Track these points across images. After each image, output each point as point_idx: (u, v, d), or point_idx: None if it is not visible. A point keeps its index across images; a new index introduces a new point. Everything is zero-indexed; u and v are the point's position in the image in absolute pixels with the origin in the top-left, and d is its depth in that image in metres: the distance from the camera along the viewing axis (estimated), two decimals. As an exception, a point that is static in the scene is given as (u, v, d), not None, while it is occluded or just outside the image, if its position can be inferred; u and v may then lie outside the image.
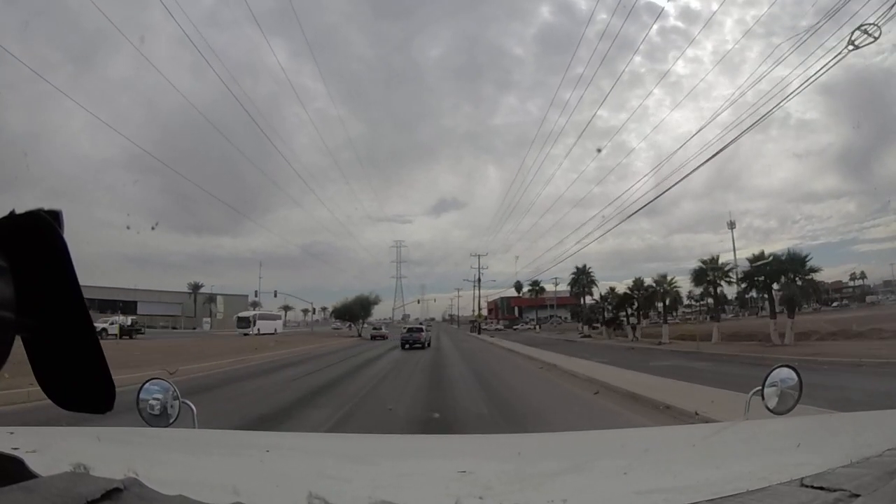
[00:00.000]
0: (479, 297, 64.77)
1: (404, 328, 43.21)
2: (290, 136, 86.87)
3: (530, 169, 67.00)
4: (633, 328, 38.92)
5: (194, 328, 59.61)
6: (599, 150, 43.37)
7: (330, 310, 59.45)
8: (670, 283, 37.71)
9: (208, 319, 64.87)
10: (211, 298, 68.65)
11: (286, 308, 72.59)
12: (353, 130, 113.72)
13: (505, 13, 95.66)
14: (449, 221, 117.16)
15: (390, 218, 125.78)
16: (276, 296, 59.21)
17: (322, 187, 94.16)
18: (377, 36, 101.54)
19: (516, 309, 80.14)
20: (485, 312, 58.93)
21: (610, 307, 44.83)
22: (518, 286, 72.94)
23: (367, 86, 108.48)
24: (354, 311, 53.84)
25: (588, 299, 54.28)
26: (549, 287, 67.09)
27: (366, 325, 53.89)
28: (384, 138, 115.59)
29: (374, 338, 41.74)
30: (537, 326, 65.17)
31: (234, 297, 67.24)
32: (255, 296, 61.77)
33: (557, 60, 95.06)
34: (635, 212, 29.88)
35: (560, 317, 68.04)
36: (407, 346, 28.01)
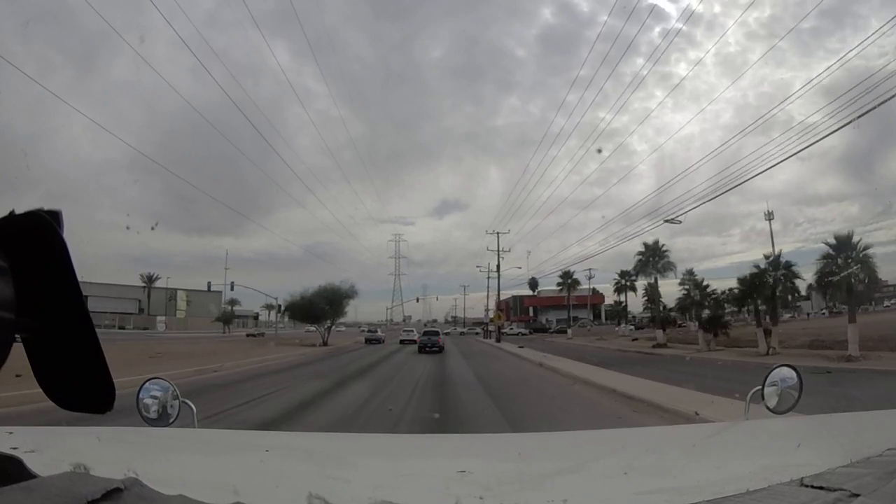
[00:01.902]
0: (499, 289, 52.42)
1: (405, 330, 43.26)
2: (292, 136, 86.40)
3: (535, 171, 66.14)
4: (768, 333, 22.90)
5: (146, 328, 48.86)
6: (600, 151, 42.63)
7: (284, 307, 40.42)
8: (863, 253, 20.14)
9: (163, 318, 53.46)
10: (171, 294, 56.65)
11: (269, 307, 60.75)
12: (354, 131, 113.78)
13: (506, 13, 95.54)
14: (451, 223, 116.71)
15: (393, 219, 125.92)
16: (232, 289, 47.84)
17: (324, 188, 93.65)
18: (379, 36, 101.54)
19: (531, 309, 73.04)
20: (493, 314, 54.11)
21: (706, 300, 27.95)
22: (533, 283, 64.46)
23: (369, 86, 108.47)
24: (320, 309, 36.65)
25: (625, 297, 47.41)
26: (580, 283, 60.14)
27: (340, 328, 42.68)
28: (386, 139, 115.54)
29: (368, 341, 37.23)
30: (569, 331, 52.71)
31: (204, 294, 55.24)
32: (209, 289, 51.75)
33: (559, 61, 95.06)
34: (675, 217, 26.97)
35: (587, 319, 60.58)
36: (426, 349, 28.49)
